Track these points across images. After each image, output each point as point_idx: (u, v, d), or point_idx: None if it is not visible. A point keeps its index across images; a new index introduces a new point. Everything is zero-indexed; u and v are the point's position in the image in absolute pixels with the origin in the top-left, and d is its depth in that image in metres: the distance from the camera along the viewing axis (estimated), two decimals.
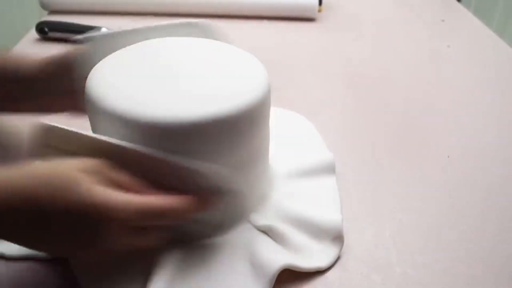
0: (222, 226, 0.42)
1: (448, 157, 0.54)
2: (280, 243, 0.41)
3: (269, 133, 0.44)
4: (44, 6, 0.89)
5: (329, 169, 0.49)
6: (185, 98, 0.37)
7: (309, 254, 0.40)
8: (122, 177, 0.33)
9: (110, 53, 0.42)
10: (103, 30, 0.42)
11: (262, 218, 0.43)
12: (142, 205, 0.32)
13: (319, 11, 0.91)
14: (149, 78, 0.39)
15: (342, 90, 0.68)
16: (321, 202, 0.46)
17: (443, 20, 0.94)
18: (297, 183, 0.48)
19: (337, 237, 0.41)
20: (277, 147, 0.47)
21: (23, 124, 0.36)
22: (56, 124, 0.34)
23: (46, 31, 0.77)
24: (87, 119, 0.40)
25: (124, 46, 0.43)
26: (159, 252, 0.39)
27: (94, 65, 0.40)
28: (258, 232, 0.42)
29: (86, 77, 0.39)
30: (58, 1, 0.88)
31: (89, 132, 0.36)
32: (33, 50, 0.75)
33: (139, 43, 0.45)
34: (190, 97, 0.37)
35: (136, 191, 0.33)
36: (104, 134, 0.36)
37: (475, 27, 0.92)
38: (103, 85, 0.38)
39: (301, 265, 0.39)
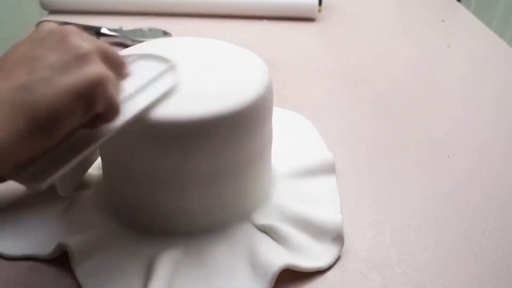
0: (222, 224, 0.42)
1: (448, 157, 0.54)
2: (280, 243, 0.41)
3: (272, 132, 0.44)
4: (44, 6, 0.89)
5: (329, 169, 0.49)
6: (188, 97, 0.37)
7: (309, 254, 0.40)
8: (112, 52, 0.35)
9: None
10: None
11: (263, 217, 0.43)
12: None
13: (319, 11, 0.91)
14: None
15: (342, 90, 0.68)
16: (321, 202, 0.46)
17: (443, 20, 0.94)
18: (297, 183, 0.48)
19: (337, 237, 0.41)
20: (277, 147, 0.47)
21: None
22: None
23: None
24: None
25: None
26: (159, 252, 0.39)
27: None
28: (258, 231, 0.42)
29: None
30: (58, 1, 0.88)
31: None
32: None
33: (143, 43, 0.45)
34: (192, 95, 0.38)
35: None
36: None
37: (475, 27, 0.92)
38: None
39: (301, 265, 0.39)
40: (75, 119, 0.30)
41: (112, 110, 0.32)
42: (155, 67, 0.38)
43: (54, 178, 0.30)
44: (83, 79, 0.29)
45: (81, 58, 0.30)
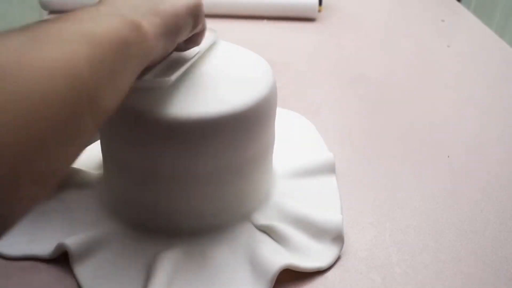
0: (223, 224, 0.42)
1: (448, 157, 0.54)
2: (280, 243, 0.41)
3: (274, 133, 0.44)
4: (44, 6, 0.89)
5: (329, 169, 0.49)
6: (192, 96, 0.37)
7: (309, 254, 0.40)
8: None
9: None
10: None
11: (263, 217, 0.43)
12: None
13: (319, 11, 0.90)
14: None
15: (342, 90, 0.68)
16: (321, 202, 0.46)
17: (443, 20, 0.94)
18: (297, 183, 0.48)
19: (337, 237, 0.41)
20: (277, 147, 0.47)
21: None
22: None
23: None
24: None
25: None
26: (159, 252, 0.39)
27: None
28: (258, 231, 0.42)
29: None
30: (58, 1, 0.88)
31: None
32: None
33: None
34: (197, 95, 0.38)
35: None
36: (118, 131, 0.38)
37: (475, 27, 0.92)
38: None
39: (301, 265, 0.39)
40: (186, 32, 0.36)
41: (203, 31, 0.39)
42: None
43: (179, 74, 0.38)
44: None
45: None
